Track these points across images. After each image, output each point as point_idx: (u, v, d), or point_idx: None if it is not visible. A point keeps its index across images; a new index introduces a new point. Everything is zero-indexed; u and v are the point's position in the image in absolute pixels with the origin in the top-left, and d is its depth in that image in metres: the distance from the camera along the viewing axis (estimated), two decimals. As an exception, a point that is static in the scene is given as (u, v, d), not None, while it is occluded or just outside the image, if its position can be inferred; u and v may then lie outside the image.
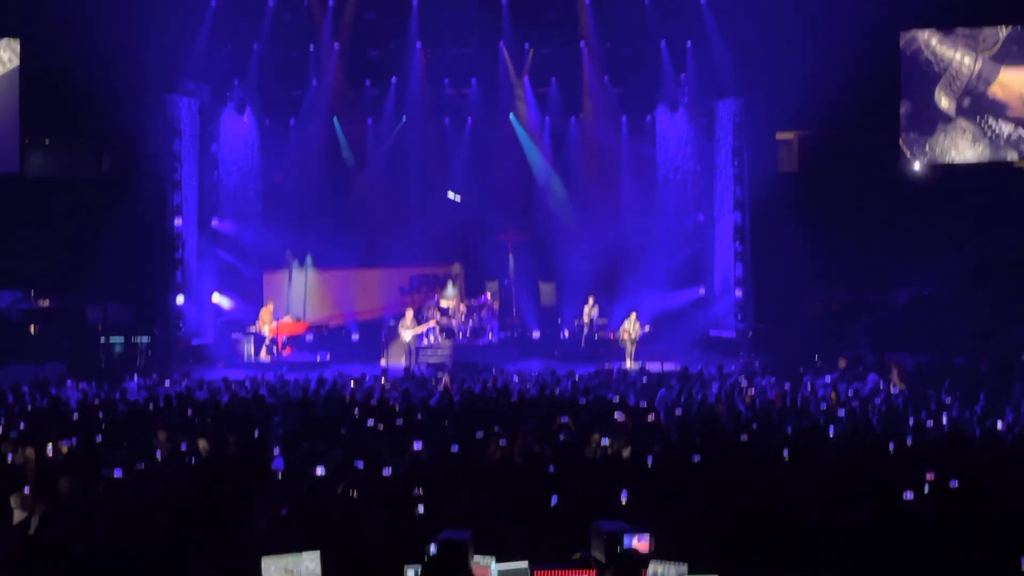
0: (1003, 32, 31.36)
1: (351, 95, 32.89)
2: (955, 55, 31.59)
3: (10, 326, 29.63)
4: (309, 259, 33.28)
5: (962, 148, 31.73)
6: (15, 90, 30.77)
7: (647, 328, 30.00)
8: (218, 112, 31.39)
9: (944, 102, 31.74)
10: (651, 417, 17.63)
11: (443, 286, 32.62)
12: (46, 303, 30.82)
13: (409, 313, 30.18)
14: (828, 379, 23.53)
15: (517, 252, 34.17)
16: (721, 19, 30.21)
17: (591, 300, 31.27)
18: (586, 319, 30.94)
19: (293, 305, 32.57)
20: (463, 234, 33.38)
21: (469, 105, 33.29)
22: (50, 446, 15.37)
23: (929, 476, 12.16)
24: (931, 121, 31.94)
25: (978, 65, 31.46)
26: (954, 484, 11.84)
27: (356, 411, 18.62)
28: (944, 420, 18.24)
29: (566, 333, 31.99)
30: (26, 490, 11.73)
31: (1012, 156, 31.69)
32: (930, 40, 31.69)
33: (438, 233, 32.77)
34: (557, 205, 33.78)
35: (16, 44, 30.77)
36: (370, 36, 31.93)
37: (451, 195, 33.90)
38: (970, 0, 30.71)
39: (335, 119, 33.43)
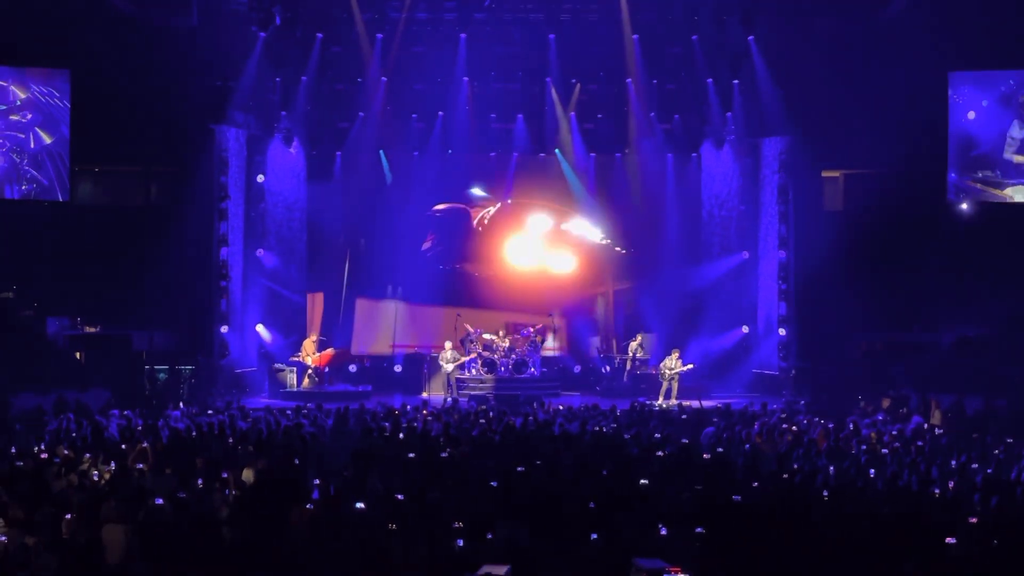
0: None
1: (398, 128, 32.94)
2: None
3: (57, 352, 29.86)
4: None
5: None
6: (65, 118, 31.10)
7: (690, 366, 29.73)
8: (265, 143, 31.59)
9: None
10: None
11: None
12: (93, 330, 31.01)
13: (448, 344, 30.27)
14: (871, 420, 23.33)
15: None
16: (768, 57, 30.14)
17: (639, 337, 31.25)
18: (630, 354, 30.86)
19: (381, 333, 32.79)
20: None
21: (515, 140, 33.26)
22: (93, 472, 15.49)
23: (971, 520, 12.07)
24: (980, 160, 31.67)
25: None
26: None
27: (397, 442, 18.65)
28: (988, 464, 18.06)
29: (607, 368, 31.89)
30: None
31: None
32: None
33: None
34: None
35: (66, 74, 31.11)
36: (417, 70, 31.94)
37: None
38: (1019, 42, 30.44)
39: (381, 152, 33.54)
